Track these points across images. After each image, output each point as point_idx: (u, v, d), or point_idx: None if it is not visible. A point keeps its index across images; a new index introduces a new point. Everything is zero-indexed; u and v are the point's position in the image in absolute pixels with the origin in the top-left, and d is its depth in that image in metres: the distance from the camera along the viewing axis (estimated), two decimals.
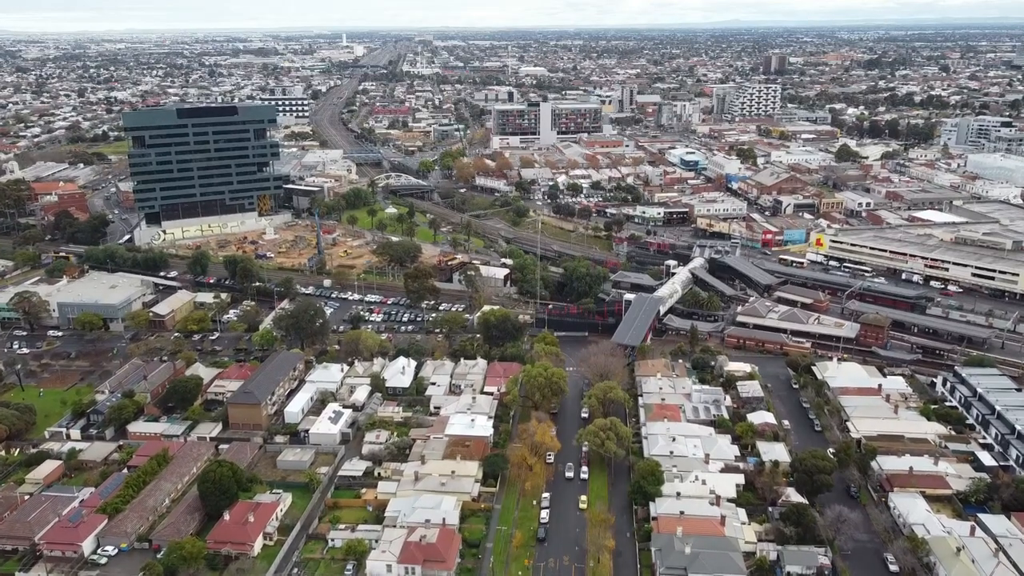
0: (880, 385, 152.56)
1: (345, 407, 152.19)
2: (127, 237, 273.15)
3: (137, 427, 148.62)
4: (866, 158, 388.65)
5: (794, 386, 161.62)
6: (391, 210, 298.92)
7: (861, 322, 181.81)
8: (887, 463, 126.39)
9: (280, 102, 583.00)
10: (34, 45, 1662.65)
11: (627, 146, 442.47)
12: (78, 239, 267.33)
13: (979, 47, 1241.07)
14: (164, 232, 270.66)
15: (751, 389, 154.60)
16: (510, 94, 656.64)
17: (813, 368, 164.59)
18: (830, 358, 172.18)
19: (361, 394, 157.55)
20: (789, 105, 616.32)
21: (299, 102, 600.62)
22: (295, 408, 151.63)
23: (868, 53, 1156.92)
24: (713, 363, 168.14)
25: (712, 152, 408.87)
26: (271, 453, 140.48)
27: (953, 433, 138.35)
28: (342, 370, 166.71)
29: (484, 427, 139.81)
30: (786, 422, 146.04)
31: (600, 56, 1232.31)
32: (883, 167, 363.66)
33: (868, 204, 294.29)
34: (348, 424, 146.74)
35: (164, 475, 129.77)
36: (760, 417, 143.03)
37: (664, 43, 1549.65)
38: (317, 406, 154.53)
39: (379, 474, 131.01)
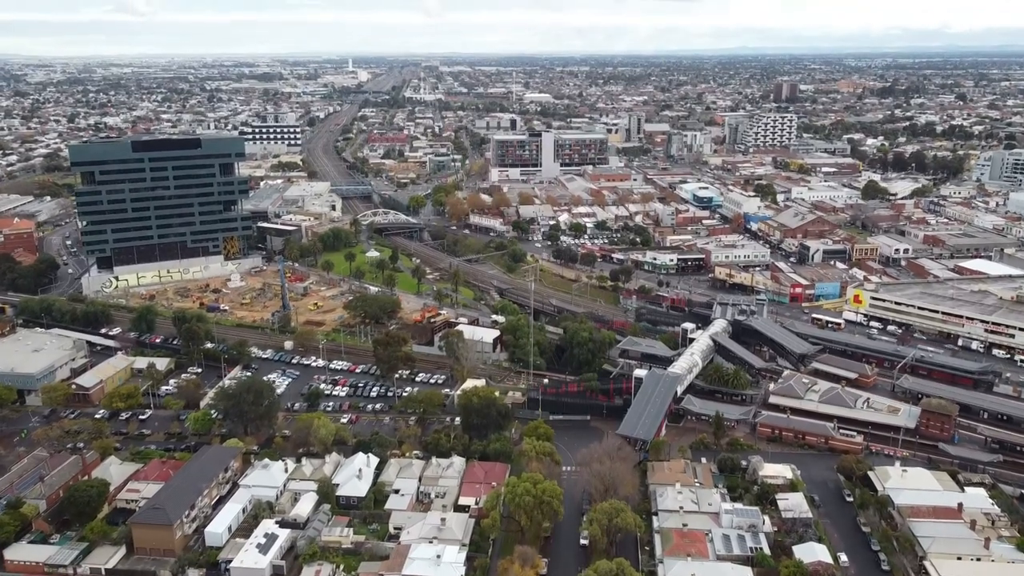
0: (960, 505, 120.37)
1: (284, 524, 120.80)
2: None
3: (17, 552, 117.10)
4: (895, 195, 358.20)
5: (847, 499, 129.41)
6: (373, 253, 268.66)
7: (922, 408, 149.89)
8: None
9: (272, 130, 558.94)
10: (41, 69, 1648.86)
11: (635, 179, 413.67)
12: (19, 286, 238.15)
13: (991, 75, 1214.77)
14: (116, 279, 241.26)
15: (795, 505, 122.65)
16: (513, 122, 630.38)
17: (870, 475, 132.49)
18: (888, 456, 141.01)
19: (306, 505, 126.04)
20: (805, 135, 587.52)
21: (291, 130, 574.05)
22: (219, 527, 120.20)
23: (879, 80, 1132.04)
24: (744, 463, 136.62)
25: (727, 187, 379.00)
26: None
27: None
28: (286, 470, 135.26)
29: (454, 565, 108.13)
30: (843, 556, 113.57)
31: (606, 82, 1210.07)
32: (916, 206, 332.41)
33: (906, 250, 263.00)
34: (283, 552, 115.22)
35: None
36: (810, 552, 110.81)
37: (671, 69, 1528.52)
38: (249, 521, 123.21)
39: None
